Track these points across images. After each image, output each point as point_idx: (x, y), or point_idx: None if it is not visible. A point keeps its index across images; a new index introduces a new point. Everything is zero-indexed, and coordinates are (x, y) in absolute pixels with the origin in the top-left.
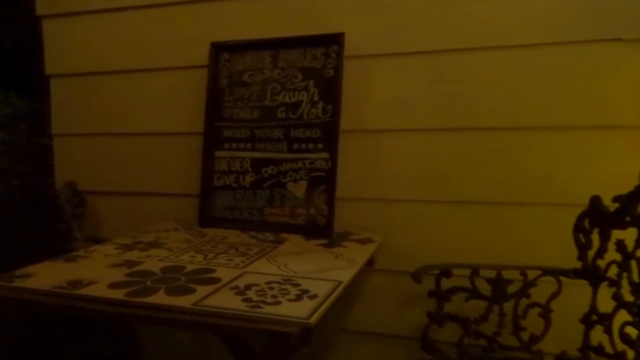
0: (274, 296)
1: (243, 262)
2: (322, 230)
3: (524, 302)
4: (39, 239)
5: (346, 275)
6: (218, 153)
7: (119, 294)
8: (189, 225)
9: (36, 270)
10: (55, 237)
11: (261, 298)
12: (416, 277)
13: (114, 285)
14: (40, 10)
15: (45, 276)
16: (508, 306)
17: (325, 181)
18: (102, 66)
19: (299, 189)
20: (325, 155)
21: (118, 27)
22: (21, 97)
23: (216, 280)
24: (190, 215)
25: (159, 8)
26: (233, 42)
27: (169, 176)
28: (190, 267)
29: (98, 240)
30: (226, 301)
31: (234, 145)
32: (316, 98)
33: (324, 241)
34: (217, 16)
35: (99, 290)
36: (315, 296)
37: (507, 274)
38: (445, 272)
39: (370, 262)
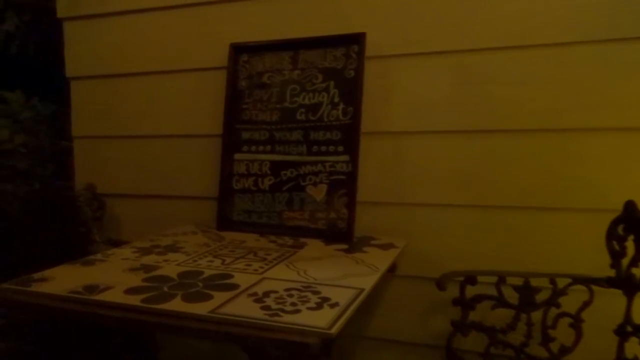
0: (293, 304)
1: (261, 267)
2: (342, 235)
3: (553, 311)
4: (59, 242)
5: (368, 282)
6: (237, 156)
7: (135, 300)
8: (207, 229)
9: (53, 274)
10: (75, 240)
11: (280, 306)
12: (440, 284)
13: (130, 291)
14: (61, 12)
15: (62, 280)
16: (536, 315)
17: (345, 184)
18: (122, 68)
19: (318, 192)
20: (345, 158)
21: (137, 29)
22: (43, 100)
23: (234, 286)
24: (209, 218)
25: (178, 9)
26: (252, 43)
27: (187, 179)
28: (207, 273)
29: (117, 243)
30: (244, 309)
31: (253, 147)
32: (337, 99)
33: (345, 246)
34: (237, 17)
35: (115, 295)
36: (336, 304)
37: (535, 282)
38: (470, 279)
39: (392, 268)
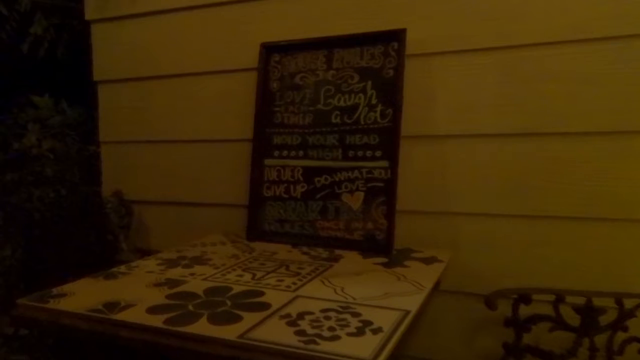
0: (331, 328)
1: (295, 283)
2: (380, 247)
3: (620, 335)
4: (86, 250)
5: (413, 303)
6: (268, 161)
7: (157, 321)
8: (236, 238)
9: (73, 289)
10: (103, 248)
11: (316, 331)
12: (490, 302)
13: (153, 310)
14: (89, 15)
15: (82, 296)
16: (600, 340)
17: (384, 192)
18: (149, 71)
19: (355, 200)
20: (384, 163)
21: (165, 30)
22: (71, 105)
23: (265, 305)
24: (238, 227)
25: (207, 9)
26: (284, 42)
27: (216, 186)
28: (236, 289)
29: (145, 252)
30: (277, 334)
31: (285, 152)
32: (374, 101)
33: (384, 259)
34: (268, 16)
35: (137, 315)
36: (379, 330)
37: (599, 302)
38: (524, 297)
39: (435, 284)
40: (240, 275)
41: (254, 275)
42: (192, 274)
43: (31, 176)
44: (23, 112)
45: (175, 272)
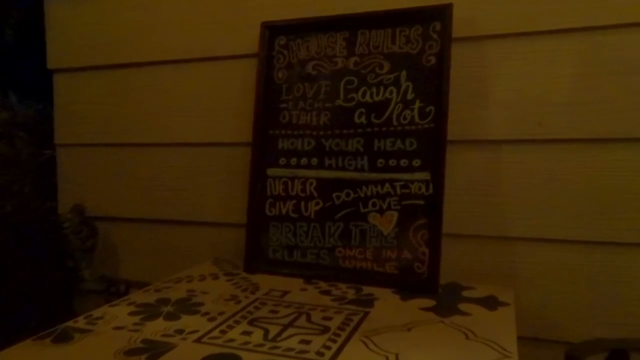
0: None
1: (327, 347)
2: (422, 284)
3: None
4: (39, 283)
5: None
6: (272, 171)
7: None
8: (231, 269)
9: None
10: (62, 278)
11: None
12: (574, 358)
13: None
14: None
15: None
16: None
17: (425, 212)
18: (121, 57)
19: (386, 222)
20: (424, 175)
21: (139, 8)
22: (24, 100)
23: None
24: (232, 251)
25: None
26: (292, 21)
27: (206, 200)
28: (245, 358)
29: (113, 282)
30: None
31: (294, 160)
32: (411, 96)
33: (430, 302)
34: None
35: None
36: None
37: None
38: (620, 353)
39: None
40: (248, 333)
41: (266, 332)
42: (179, 331)
43: None
44: None
45: (156, 328)
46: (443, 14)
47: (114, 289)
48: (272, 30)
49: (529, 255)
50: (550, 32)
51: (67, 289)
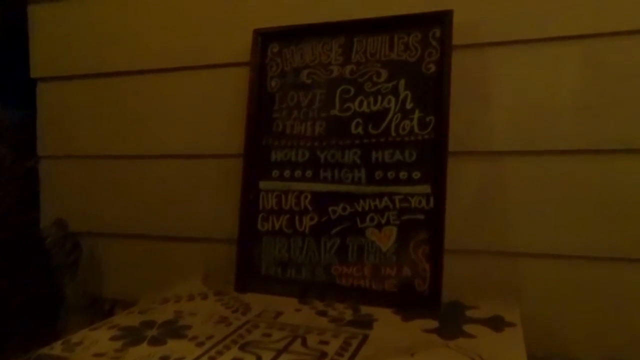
0: None
1: None
2: (423, 302)
3: None
4: (20, 297)
5: None
6: (264, 184)
7: None
8: (221, 288)
9: None
10: (43, 294)
11: None
12: None
13: None
14: None
15: None
16: None
17: (426, 227)
18: (107, 66)
19: (384, 238)
20: (425, 188)
21: (126, 15)
22: (7, 106)
23: None
24: (223, 267)
25: None
26: (286, 27)
27: (194, 215)
28: None
29: (96, 300)
30: None
31: (287, 172)
32: (410, 105)
33: (433, 323)
34: None
35: None
36: None
37: None
38: None
39: None
40: (239, 359)
41: (259, 359)
42: (164, 358)
43: None
44: None
45: (139, 354)
46: (443, 20)
47: (97, 308)
48: (264, 37)
49: (535, 271)
50: (553, 38)
51: (50, 305)
